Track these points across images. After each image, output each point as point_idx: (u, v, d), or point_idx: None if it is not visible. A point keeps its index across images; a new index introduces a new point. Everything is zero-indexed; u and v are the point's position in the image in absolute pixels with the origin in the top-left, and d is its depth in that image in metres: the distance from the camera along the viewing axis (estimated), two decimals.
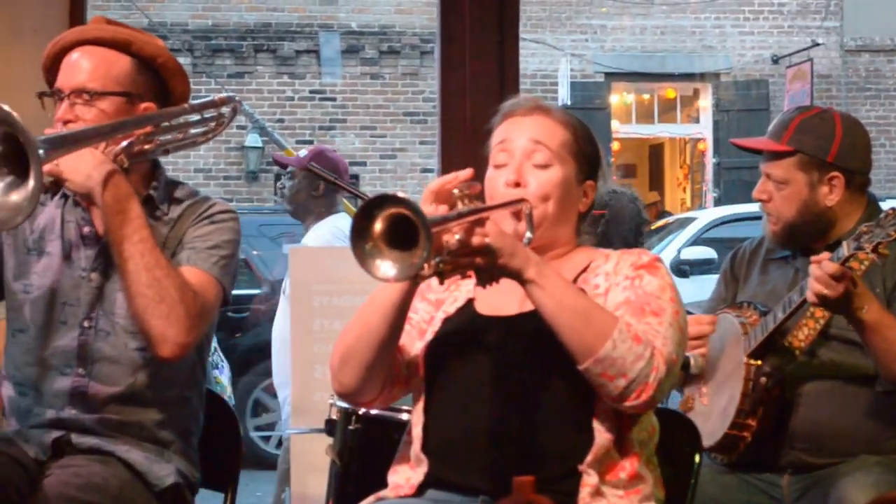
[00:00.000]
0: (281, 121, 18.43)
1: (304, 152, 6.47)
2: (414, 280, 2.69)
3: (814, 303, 3.55)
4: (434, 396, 2.95)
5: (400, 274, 2.51)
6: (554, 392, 2.83)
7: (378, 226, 2.50)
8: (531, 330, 2.83)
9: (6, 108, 2.68)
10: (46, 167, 2.99)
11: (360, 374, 2.92)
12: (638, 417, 2.86)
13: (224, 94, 3.48)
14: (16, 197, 2.75)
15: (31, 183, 2.70)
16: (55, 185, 3.10)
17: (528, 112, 3.05)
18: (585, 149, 3.05)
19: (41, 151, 2.69)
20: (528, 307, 2.83)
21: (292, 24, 18.68)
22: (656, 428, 2.96)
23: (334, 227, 6.00)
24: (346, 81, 18.72)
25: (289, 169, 6.34)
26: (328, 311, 4.95)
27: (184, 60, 3.46)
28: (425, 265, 2.54)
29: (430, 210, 2.71)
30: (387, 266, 2.50)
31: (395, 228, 2.49)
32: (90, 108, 3.21)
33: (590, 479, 2.76)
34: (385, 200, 2.50)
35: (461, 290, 3.06)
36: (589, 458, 2.77)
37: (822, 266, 3.48)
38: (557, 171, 2.98)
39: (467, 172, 2.80)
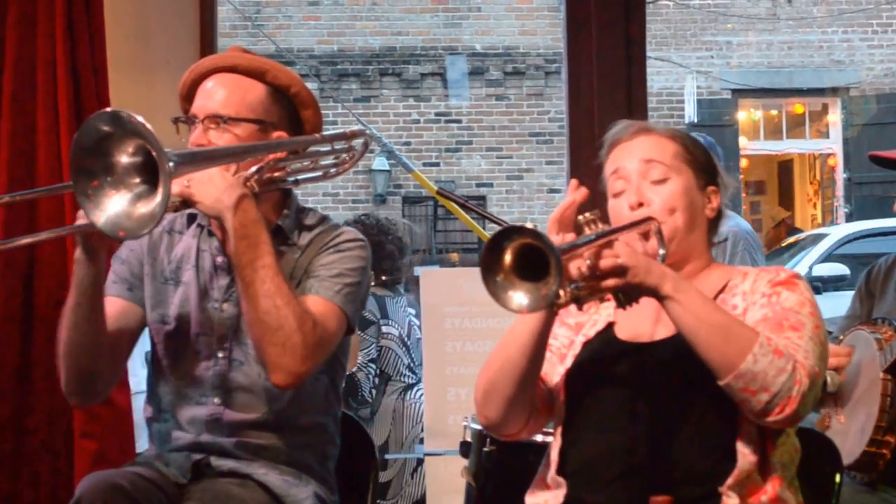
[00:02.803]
0: (407, 144, 18.51)
1: None
2: (552, 309, 2.69)
3: None
4: (574, 420, 2.94)
5: (533, 304, 2.50)
6: (695, 416, 2.79)
7: (507, 258, 2.49)
8: (672, 356, 2.82)
9: (142, 120, 2.70)
10: (178, 189, 3.04)
11: (503, 407, 2.92)
12: (780, 439, 2.82)
13: (356, 128, 3.48)
14: (142, 209, 2.76)
15: (159, 196, 2.71)
16: (184, 205, 3.12)
17: (632, 135, 3.05)
18: (698, 156, 3.04)
19: (171, 164, 2.71)
20: (668, 332, 2.82)
21: (417, 48, 18.78)
22: (798, 450, 2.91)
23: None
24: (471, 103, 18.77)
25: None
26: (460, 333, 4.96)
27: (311, 86, 3.52)
28: (561, 292, 2.54)
29: (557, 240, 2.72)
30: (520, 297, 2.50)
31: (524, 259, 2.48)
32: (223, 134, 3.23)
33: (730, 500, 2.72)
34: (512, 232, 2.50)
35: (601, 313, 3.05)
36: (730, 480, 2.73)
37: None
38: (677, 182, 2.97)
39: (578, 189, 2.83)
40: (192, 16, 4.72)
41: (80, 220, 2.97)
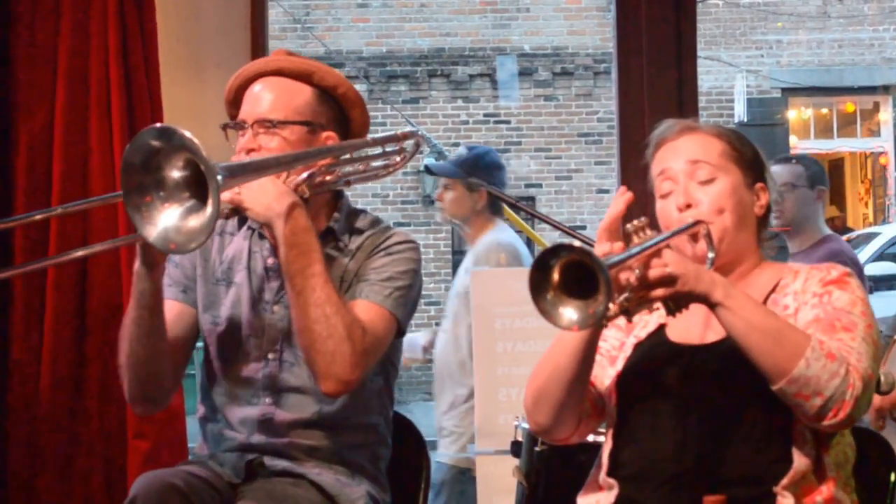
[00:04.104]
0: (456, 145, 18.46)
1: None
2: (601, 323, 2.67)
3: None
4: (626, 422, 2.94)
5: (584, 322, 2.50)
6: (748, 419, 2.78)
7: (555, 275, 2.49)
8: (724, 359, 2.80)
9: (188, 134, 2.69)
10: (228, 196, 3.05)
11: (553, 412, 2.92)
12: (834, 440, 2.80)
13: (407, 129, 3.48)
14: (194, 222, 2.75)
15: (209, 209, 2.70)
16: (234, 212, 3.13)
17: (678, 135, 3.03)
18: (745, 153, 3.02)
19: (220, 178, 2.70)
20: (720, 335, 2.80)
21: (465, 49, 18.76)
22: (854, 449, 2.90)
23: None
24: (520, 104, 18.73)
25: None
26: (511, 333, 4.94)
27: (360, 87, 3.51)
28: (610, 305, 2.53)
29: (606, 249, 2.71)
30: (569, 314, 2.50)
31: (572, 276, 2.48)
32: (272, 137, 3.24)
33: (785, 500, 2.71)
34: (560, 249, 2.49)
35: (652, 314, 3.03)
36: (785, 481, 2.72)
37: None
38: (725, 181, 2.95)
39: (625, 194, 2.81)
40: (242, 17, 4.73)
41: None
